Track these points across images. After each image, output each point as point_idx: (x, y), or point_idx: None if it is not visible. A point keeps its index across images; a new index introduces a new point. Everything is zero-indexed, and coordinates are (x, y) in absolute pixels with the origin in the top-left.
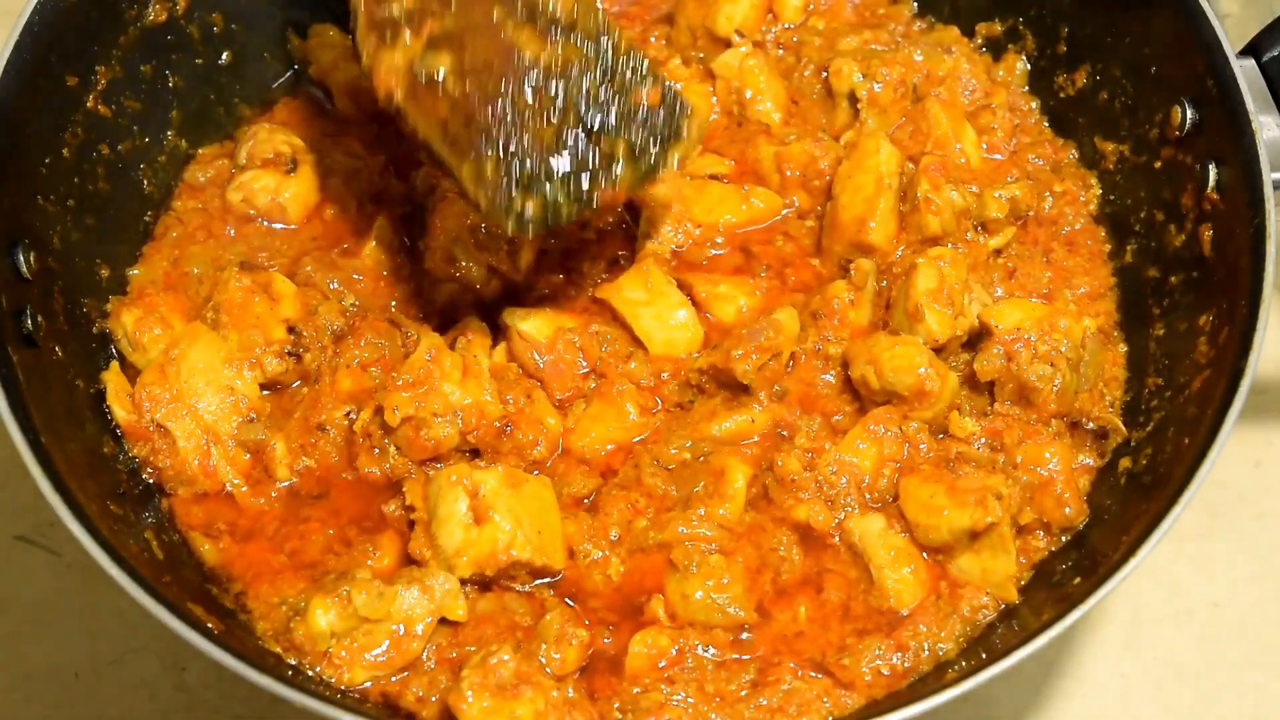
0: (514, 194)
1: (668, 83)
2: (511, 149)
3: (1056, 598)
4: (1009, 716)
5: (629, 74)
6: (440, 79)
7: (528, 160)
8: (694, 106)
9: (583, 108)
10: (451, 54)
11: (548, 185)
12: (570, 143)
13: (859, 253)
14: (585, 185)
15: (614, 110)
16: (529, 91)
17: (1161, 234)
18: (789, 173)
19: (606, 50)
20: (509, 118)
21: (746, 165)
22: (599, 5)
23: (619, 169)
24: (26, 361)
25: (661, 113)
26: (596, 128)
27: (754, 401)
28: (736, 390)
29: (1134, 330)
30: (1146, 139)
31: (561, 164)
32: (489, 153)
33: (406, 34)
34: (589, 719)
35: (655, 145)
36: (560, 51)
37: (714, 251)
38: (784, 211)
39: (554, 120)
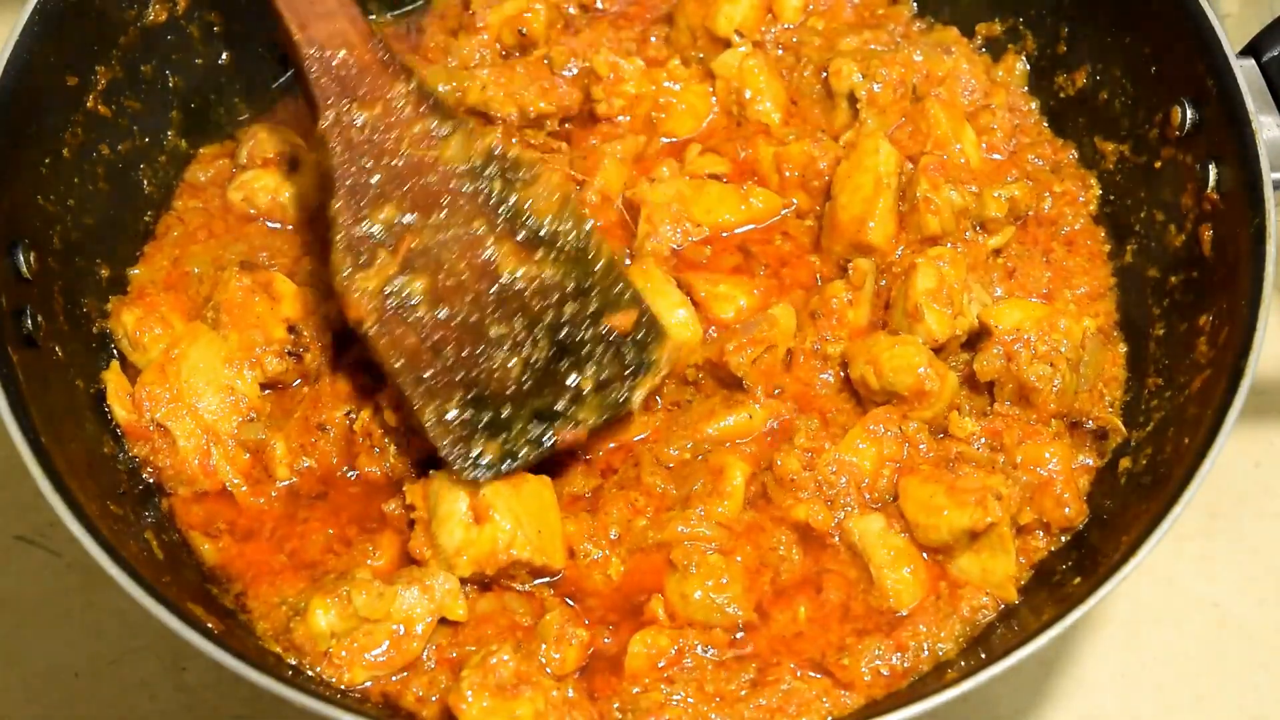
0: (474, 440)
1: (643, 303)
2: (476, 390)
3: (1056, 598)
4: (1009, 716)
5: (606, 294)
6: (414, 305)
7: (490, 400)
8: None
9: (555, 336)
10: (426, 276)
11: (509, 429)
12: (537, 381)
13: (858, 253)
14: (548, 429)
15: (585, 338)
16: (501, 316)
17: (1161, 234)
18: (788, 173)
19: (586, 266)
20: (478, 352)
21: (746, 165)
22: (582, 212)
23: (581, 410)
24: (26, 361)
25: (633, 340)
26: (566, 360)
27: (751, 399)
28: (733, 386)
29: (1134, 330)
30: (1146, 139)
31: (524, 404)
32: (454, 392)
33: (382, 255)
34: (589, 719)
35: (622, 380)
36: (538, 269)
37: (713, 251)
38: (783, 211)
39: (524, 351)
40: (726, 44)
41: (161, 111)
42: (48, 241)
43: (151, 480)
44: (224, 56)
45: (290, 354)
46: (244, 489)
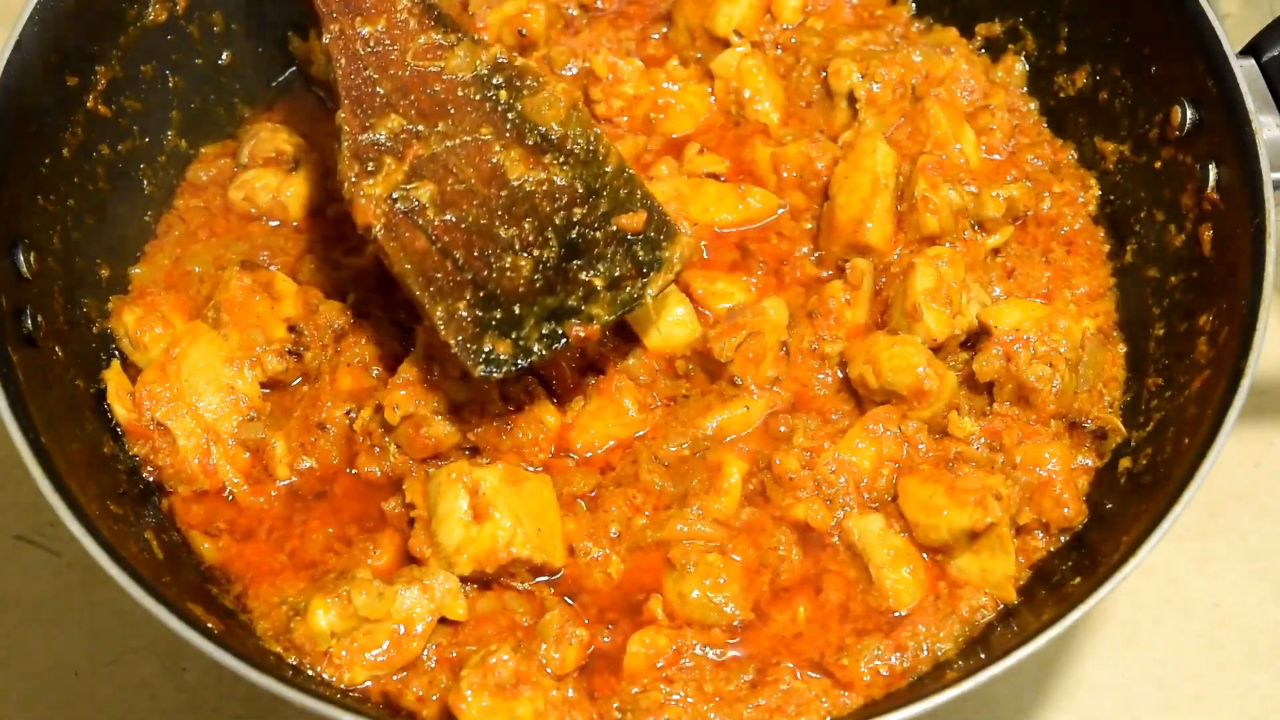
0: (485, 336)
1: (653, 203)
2: (487, 289)
3: (1056, 598)
4: (1009, 716)
5: (615, 196)
6: (421, 209)
7: (502, 298)
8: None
9: (565, 236)
10: (434, 183)
11: (520, 327)
12: (547, 277)
13: (856, 253)
14: (559, 325)
15: (596, 238)
16: (511, 219)
17: (1161, 234)
18: (785, 174)
19: (595, 169)
20: (489, 252)
21: (743, 165)
22: (589, 117)
23: (594, 306)
24: (26, 361)
25: (644, 239)
26: (578, 259)
27: (745, 391)
28: (721, 376)
29: (1134, 330)
30: (1146, 139)
31: (535, 302)
32: (464, 292)
33: (389, 161)
34: (588, 718)
35: (635, 277)
36: (546, 173)
37: (712, 249)
38: (779, 211)
39: (534, 251)
40: (725, 44)
41: (161, 111)
42: (48, 241)
43: (151, 479)
44: (224, 56)
45: (290, 353)
46: (244, 488)
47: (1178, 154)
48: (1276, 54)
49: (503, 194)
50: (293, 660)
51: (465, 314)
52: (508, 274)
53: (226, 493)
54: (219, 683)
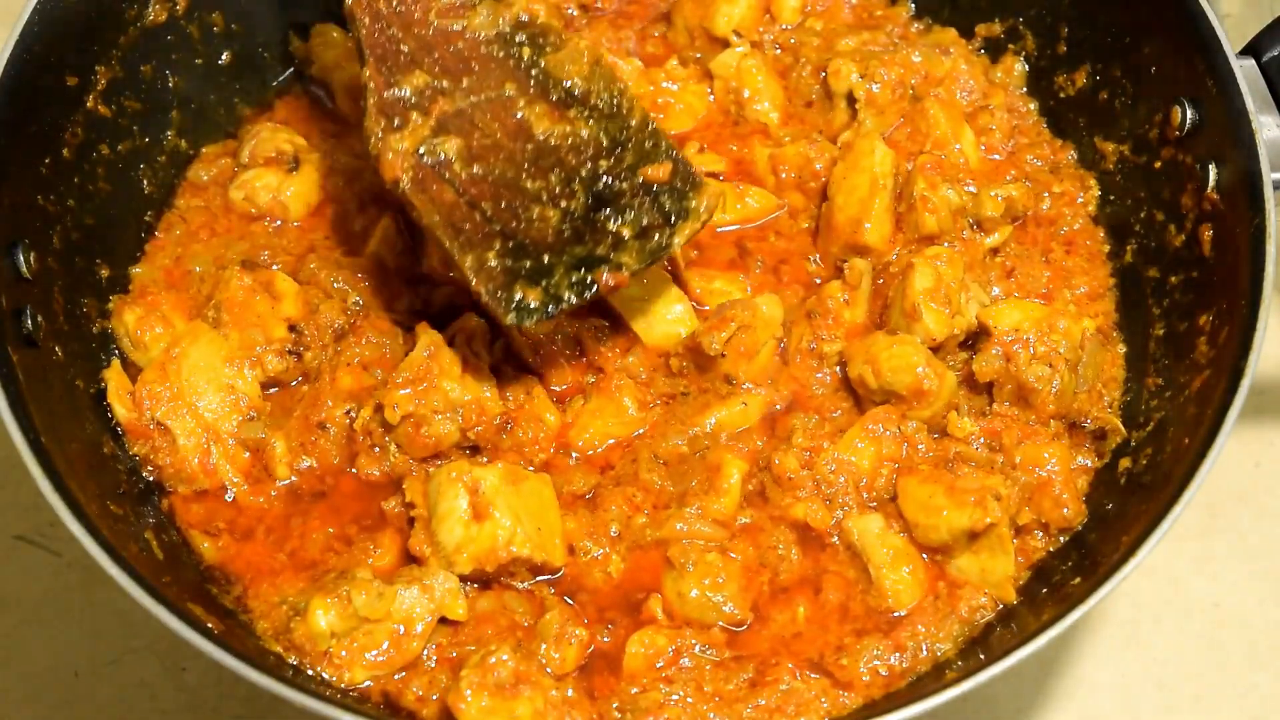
0: (515, 285)
1: (679, 155)
2: (516, 239)
3: (1056, 598)
4: (1009, 716)
5: (641, 148)
6: (448, 163)
7: (531, 248)
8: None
9: (591, 188)
10: (460, 137)
11: (550, 275)
12: (575, 227)
13: (855, 254)
14: (588, 273)
15: (623, 189)
16: (537, 172)
17: (1161, 234)
18: (784, 174)
19: (620, 122)
20: (516, 204)
21: (742, 165)
22: (613, 72)
23: (624, 255)
24: (26, 361)
25: (671, 189)
26: (605, 210)
27: (740, 388)
28: (713, 372)
29: (1134, 330)
30: (1146, 139)
31: (564, 251)
32: (494, 242)
33: (415, 116)
34: (588, 718)
35: (663, 226)
36: (572, 126)
37: (710, 247)
38: (778, 211)
39: (561, 203)
40: (724, 44)
41: (161, 111)
42: (48, 241)
43: (151, 479)
44: (224, 56)
45: (291, 353)
46: (244, 488)
47: (1178, 154)
48: (1276, 54)
49: (528, 148)
50: (293, 660)
51: (495, 263)
52: (535, 225)
53: (227, 493)
54: (219, 683)
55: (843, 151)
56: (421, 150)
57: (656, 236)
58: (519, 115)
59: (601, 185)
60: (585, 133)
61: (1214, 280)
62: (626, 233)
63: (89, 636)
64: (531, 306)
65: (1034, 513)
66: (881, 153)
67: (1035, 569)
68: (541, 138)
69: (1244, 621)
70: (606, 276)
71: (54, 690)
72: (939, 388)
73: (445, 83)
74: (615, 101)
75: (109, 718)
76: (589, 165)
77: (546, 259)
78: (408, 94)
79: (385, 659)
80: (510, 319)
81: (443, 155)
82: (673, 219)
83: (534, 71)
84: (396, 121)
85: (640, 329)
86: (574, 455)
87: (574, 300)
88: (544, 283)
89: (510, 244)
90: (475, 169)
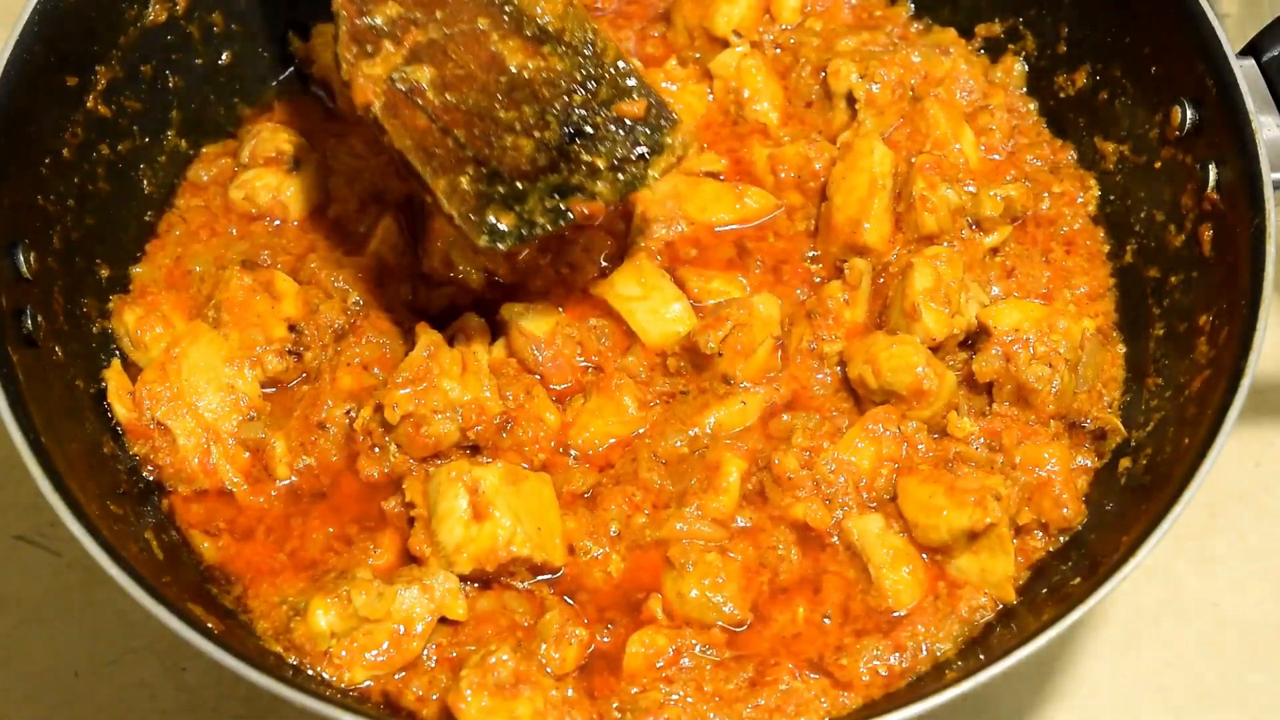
0: (488, 208)
1: (653, 94)
2: (489, 163)
3: (1056, 598)
4: (1009, 716)
5: (615, 84)
6: (420, 89)
7: (505, 174)
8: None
9: (565, 120)
10: (433, 66)
11: (524, 201)
12: (550, 157)
13: (854, 254)
14: (562, 201)
15: (597, 123)
16: (510, 103)
17: (1161, 234)
18: (783, 174)
19: (593, 60)
20: (490, 133)
21: (741, 165)
22: (586, 14)
23: (598, 184)
24: (26, 361)
25: (645, 125)
26: (578, 141)
27: (738, 387)
28: (710, 371)
29: (1134, 330)
30: (1146, 139)
31: (539, 179)
32: (466, 168)
33: (388, 44)
34: (588, 718)
35: (636, 159)
36: (545, 62)
37: (709, 247)
38: (777, 211)
39: (535, 134)
40: (724, 44)
41: (161, 111)
42: (48, 241)
43: (151, 479)
44: (224, 56)
45: (291, 353)
46: (244, 488)
47: (1178, 154)
48: (1276, 54)
49: (502, 80)
50: (293, 660)
51: (468, 187)
52: (509, 153)
53: (227, 492)
54: (219, 683)
55: (842, 151)
56: (394, 77)
57: (632, 169)
58: (492, 49)
59: (576, 117)
60: (560, 67)
61: (1214, 280)
62: (601, 164)
63: (89, 636)
64: (504, 230)
65: (1034, 513)
66: (880, 153)
67: (1035, 569)
68: (515, 70)
69: (1244, 621)
70: (581, 205)
71: (54, 690)
72: (939, 388)
73: (418, 14)
74: (589, 39)
75: (109, 718)
76: (563, 99)
77: (520, 185)
78: (380, 22)
79: (385, 659)
80: (483, 241)
81: (415, 82)
82: (648, 153)
83: (507, 8)
84: (369, 48)
85: (640, 329)
86: (574, 455)
87: (549, 227)
88: (518, 208)
89: (484, 170)
90: (448, 97)
